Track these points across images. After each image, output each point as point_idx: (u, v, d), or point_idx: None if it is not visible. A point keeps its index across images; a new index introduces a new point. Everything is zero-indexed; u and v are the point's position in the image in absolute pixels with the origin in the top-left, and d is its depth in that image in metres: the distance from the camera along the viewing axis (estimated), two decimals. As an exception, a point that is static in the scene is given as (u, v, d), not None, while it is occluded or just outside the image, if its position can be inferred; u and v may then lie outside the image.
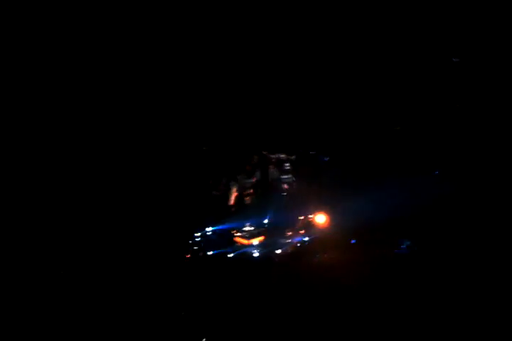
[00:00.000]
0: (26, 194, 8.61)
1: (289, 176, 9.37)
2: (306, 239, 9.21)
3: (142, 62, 9.25)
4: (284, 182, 9.39)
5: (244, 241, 9.31)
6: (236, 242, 9.32)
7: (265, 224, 9.36)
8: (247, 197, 9.42)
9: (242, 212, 9.42)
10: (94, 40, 8.85)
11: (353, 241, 8.97)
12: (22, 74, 8.65)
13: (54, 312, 7.93)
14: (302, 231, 9.27)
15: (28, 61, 8.65)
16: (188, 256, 9.12)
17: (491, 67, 8.60)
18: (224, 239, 9.30)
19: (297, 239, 9.24)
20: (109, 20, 8.79)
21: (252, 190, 9.42)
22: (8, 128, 8.63)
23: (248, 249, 9.25)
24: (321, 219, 9.25)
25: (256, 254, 9.20)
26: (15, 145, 8.69)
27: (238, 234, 9.35)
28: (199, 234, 9.26)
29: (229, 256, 9.15)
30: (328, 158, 9.26)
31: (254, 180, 9.42)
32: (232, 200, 9.41)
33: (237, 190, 9.40)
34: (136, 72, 9.18)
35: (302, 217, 9.34)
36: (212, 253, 9.17)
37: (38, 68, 8.72)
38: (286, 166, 9.37)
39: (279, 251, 9.16)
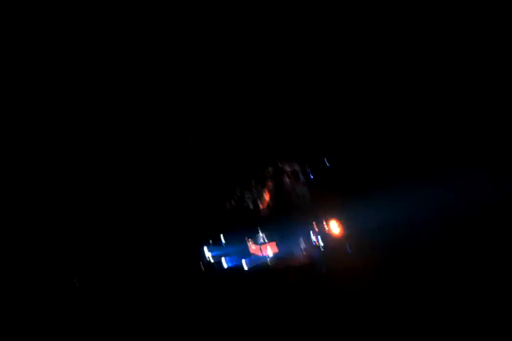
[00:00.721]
0: (26, 194, 8.71)
1: (303, 186, 9.04)
2: (322, 249, 8.99)
3: (147, 66, 8.92)
4: (298, 192, 9.08)
5: (258, 252, 9.23)
6: (250, 251, 9.25)
7: (279, 233, 9.19)
8: (262, 207, 9.21)
9: (256, 221, 9.26)
10: (95, 41, 8.66)
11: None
12: (22, 74, 8.59)
13: (54, 312, 8.22)
14: (315, 240, 9.04)
15: (28, 61, 8.57)
16: (201, 264, 9.18)
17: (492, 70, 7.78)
18: (239, 248, 9.25)
19: (310, 247, 9.05)
20: (110, 21, 8.53)
21: (266, 200, 9.19)
22: (8, 128, 8.64)
23: (260, 259, 9.19)
24: (334, 227, 8.96)
25: (268, 264, 9.13)
26: (15, 146, 8.72)
27: (252, 243, 9.25)
28: (214, 243, 9.23)
29: (243, 264, 9.14)
30: (340, 168, 8.81)
31: (268, 190, 9.17)
32: (247, 210, 9.25)
33: (251, 200, 9.19)
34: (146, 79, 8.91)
35: (315, 227, 9.07)
36: (227, 262, 9.18)
37: (38, 68, 8.64)
38: (300, 176, 9.02)
39: (293, 260, 9.05)
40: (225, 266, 9.12)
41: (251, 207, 9.25)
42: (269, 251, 9.21)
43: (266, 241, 9.25)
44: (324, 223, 8.99)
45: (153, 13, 8.60)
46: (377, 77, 8.42)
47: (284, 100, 8.81)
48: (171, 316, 8.60)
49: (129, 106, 9.01)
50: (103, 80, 8.85)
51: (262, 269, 9.10)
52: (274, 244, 9.23)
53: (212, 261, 9.16)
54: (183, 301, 8.71)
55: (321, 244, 8.96)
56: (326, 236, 8.98)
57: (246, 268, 9.06)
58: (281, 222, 9.15)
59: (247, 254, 9.22)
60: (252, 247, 9.25)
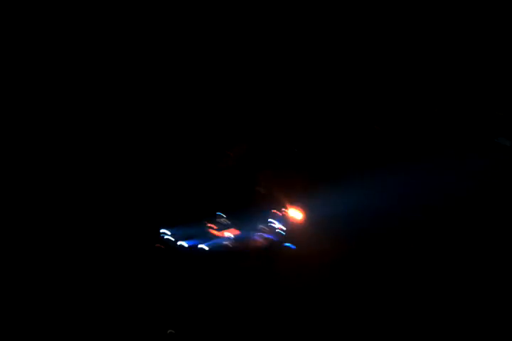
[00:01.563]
0: (26, 194, 8.58)
1: (265, 170, 9.26)
2: (282, 234, 9.19)
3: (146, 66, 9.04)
4: (260, 175, 9.29)
5: (218, 233, 9.28)
6: (209, 234, 9.29)
7: (239, 216, 9.31)
8: (222, 189, 9.31)
9: (216, 203, 9.34)
10: (95, 41, 8.70)
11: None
12: (22, 75, 8.57)
13: (54, 312, 8.01)
14: (276, 225, 9.23)
15: (28, 62, 8.56)
16: (162, 246, 9.08)
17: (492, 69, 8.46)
18: (197, 231, 9.25)
19: (270, 234, 9.23)
20: (110, 21, 8.60)
21: (227, 182, 9.31)
22: (8, 128, 8.56)
23: (221, 241, 9.24)
24: (295, 213, 9.20)
25: (229, 246, 9.20)
26: (15, 146, 8.63)
27: (212, 225, 9.30)
28: (172, 225, 9.19)
29: (202, 247, 9.15)
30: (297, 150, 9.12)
31: (229, 171, 9.30)
32: (206, 191, 9.31)
33: (212, 181, 9.28)
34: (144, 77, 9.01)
35: (276, 211, 9.28)
36: (186, 245, 9.15)
37: (37, 69, 8.63)
38: (265, 159, 9.24)
39: (251, 244, 9.17)
40: (185, 245, 9.10)
41: (211, 187, 9.33)
42: (229, 234, 9.28)
43: (227, 224, 9.32)
44: (287, 209, 9.22)
45: (153, 13, 8.76)
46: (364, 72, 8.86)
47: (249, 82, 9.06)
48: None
49: (128, 106, 9.09)
50: (104, 80, 8.90)
51: (221, 250, 9.14)
52: (235, 229, 9.32)
53: (172, 240, 9.11)
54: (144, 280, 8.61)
55: (282, 228, 9.16)
56: (287, 221, 9.20)
57: (206, 248, 9.07)
58: (243, 206, 9.28)
59: (207, 236, 9.25)
60: (213, 230, 9.29)
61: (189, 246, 9.15)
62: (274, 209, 9.25)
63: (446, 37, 8.28)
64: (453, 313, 7.82)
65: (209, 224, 9.31)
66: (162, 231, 9.12)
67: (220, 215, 9.33)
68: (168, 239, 9.13)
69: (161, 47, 8.81)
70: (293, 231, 9.12)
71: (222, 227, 9.30)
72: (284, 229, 9.14)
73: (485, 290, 7.83)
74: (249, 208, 9.24)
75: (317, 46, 8.73)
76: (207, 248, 9.09)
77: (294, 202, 9.16)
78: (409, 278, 8.35)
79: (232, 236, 9.26)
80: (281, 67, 8.91)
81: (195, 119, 9.24)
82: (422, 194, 8.48)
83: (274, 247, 9.16)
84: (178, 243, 9.14)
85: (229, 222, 9.30)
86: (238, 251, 9.16)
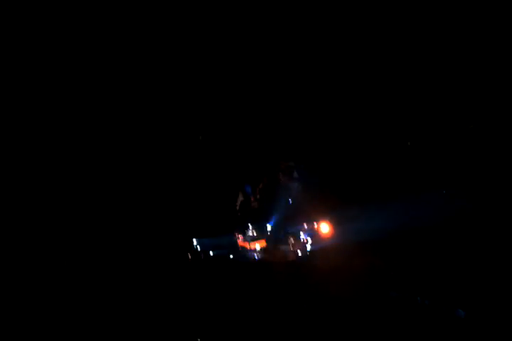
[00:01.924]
0: (26, 194, 8.84)
1: (297, 184, 9.25)
2: (309, 248, 9.11)
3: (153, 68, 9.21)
4: (291, 190, 9.27)
5: (246, 245, 9.33)
6: (238, 245, 9.34)
7: (269, 230, 9.31)
8: (254, 203, 9.37)
9: (247, 216, 9.39)
10: (95, 41, 8.91)
11: None
12: (22, 75, 8.79)
13: (54, 312, 8.14)
14: (305, 241, 9.16)
15: (28, 62, 8.79)
16: (190, 257, 9.23)
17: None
18: (227, 242, 9.34)
19: (299, 248, 9.16)
20: (110, 21, 8.79)
21: (258, 196, 9.36)
22: (8, 128, 8.83)
23: (249, 253, 9.27)
24: (324, 228, 9.11)
25: (256, 257, 9.22)
26: (15, 146, 8.90)
27: (241, 237, 9.36)
28: (203, 235, 9.32)
29: (230, 258, 9.22)
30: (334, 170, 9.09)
31: (261, 186, 9.35)
32: (238, 205, 9.39)
33: (243, 195, 9.36)
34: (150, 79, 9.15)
35: (306, 226, 9.22)
36: (215, 255, 9.25)
37: (37, 69, 8.85)
38: (295, 175, 9.24)
39: (280, 254, 9.16)
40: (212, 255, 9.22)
41: (242, 201, 9.40)
42: (258, 246, 9.30)
43: (255, 236, 9.35)
44: (315, 223, 9.15)
45: (153, 12, 8.93)
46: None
47: (282, 101, 9.10)
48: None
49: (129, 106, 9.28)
50: (105, 80, 9.10)
51: (247, 260, 9.18)
52: (263, 240, 9.33)
53: (199, 250, 9.24)
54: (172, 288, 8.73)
55: (310, 241, 9.08)
56: (315, 235, 9.12)
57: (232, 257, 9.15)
58: (273, 219, 9.30)
59: (235, 247, 9.31)
60: (241, 241, 9.35)
61: (217, 256, 9.24)
62: (304, 222, 9.20)
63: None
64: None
65: (238, 235, 9.37)
66: (193, 241, 9.27)
67: (249, 226, 9.37)
68: (197, 248, 9.27)
69: (161, 47, 8.96)
70: (319, 243, 9.03)
71: (251, 238, 9.34)
72: (311, 242, 9.05)
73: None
74: (280, 222, 9.25)
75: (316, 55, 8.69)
76: (233, 257, 9.15)
77: (324, 217, 9.08)
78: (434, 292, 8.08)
79: (260, 247, 9.27)
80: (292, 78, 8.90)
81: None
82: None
83: (300, 260, 9.10)
84: (210, 252, 9.27)
85: (258, 234, 9.32)
86: (265, 262, 9.14)
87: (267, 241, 9.32)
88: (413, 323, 7.82)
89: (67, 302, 8.23)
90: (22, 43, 8.56)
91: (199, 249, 9.25)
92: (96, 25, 8.67)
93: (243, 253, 9.27)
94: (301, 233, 9.20)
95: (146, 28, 8.80)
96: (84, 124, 9.09)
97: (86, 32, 8.69)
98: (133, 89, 9.11)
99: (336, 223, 9.07)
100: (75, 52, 8.81)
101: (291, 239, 9.23)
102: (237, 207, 9.45)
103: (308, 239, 9.13)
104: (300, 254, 9.15)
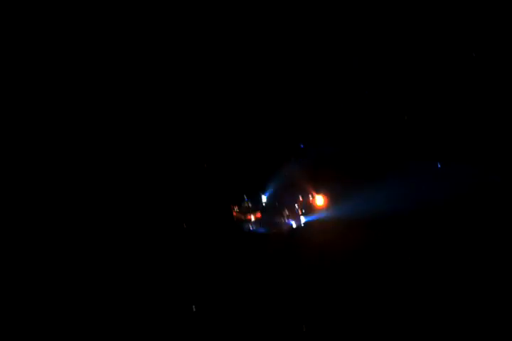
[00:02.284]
0: (26, 194, 8.63)
1: (293, 159, 9.30)
2: (304, 220, 9.31)
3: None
4: (287, 164, 9.34)
5: (242, 217, 9.42)
6: (234, 216, 9.42)
7: (264, 201, 9.42)
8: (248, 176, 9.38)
9: (241, 189, 9.42)
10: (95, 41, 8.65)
11: None
12: (22, 75, 8.55)
13: (54, 312, 8.14)
14: (300, 212, 9.34)
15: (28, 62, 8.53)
16: (185, 226, 9.23)
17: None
18: (222, 213, 9.39)
19: (294, 220, 9.35)
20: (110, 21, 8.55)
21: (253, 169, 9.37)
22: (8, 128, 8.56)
23: (245, 224, 9.39)
24: (320, 201, 9.30)
25: (252, 229, 9.36)
26: (15, 146, 8.65)
27: (237, 209, 9.43)
28: (199, 206, 9.31)
29: (226, 229, 9.31)
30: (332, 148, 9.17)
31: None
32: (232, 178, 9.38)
33: (238, 169, 9.33)
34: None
35: (301, 198, 9.37)
36: (210, 226, 9.29)
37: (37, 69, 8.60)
38: (291, 150, 9.28)
39: (274, 225, 9.34)
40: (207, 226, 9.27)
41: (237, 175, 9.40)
42: (252, 217, 9.42)
43: (250, 207, 9.45)
44: (310, 196, 9.32)
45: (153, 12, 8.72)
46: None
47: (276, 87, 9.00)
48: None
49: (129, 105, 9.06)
50: (105, 81, 8.86)
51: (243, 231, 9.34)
52: (258, 211, 9.44)
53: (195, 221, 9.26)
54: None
55: (304, 213, 9.29)
56: (310, 207, 9.32)
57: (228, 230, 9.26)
58: (268, 191, 9.39)
59: (230, 218, 9.40)
60: (237, 213, 9.44)
61: (211, 227, 9.30)
62: (299, 194, 9.34)
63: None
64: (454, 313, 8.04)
65: (234, 207, 9.43)
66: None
67: (245, 198, 9.44)
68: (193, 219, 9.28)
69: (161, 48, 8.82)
70: (314, 216, 9.25)
71: (246, 210, 9.43)
72: (306, 214, 9.25)
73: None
74: (275, 194, 9.35)
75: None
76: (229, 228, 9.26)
77: (320, 189, 9.25)
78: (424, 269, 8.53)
79: (255, 219, 9.40)
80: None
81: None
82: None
83: (294, 231, 9.32)
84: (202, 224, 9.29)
85: (253, 205, 9.41)
86: (260, 234, 9.31)
87: (261, 213, 9.43)
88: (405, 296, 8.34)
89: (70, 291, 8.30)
90: (22, 43, 8.39)
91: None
92: (96, 25, 8.49)
93: (239, 225, 9.37)
94: (296, 205, 9.37)
95: (146, 32, 8.68)
96: (84, 125, 8.92)
97: (86, 32, 8.53)
98: (133, 89, 8.97)
99: (331, 196, 9.27)
100: (75, 52, 8.63)
101: (286, 211, 9.40)
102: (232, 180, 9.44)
103: (303, 211, 9.32)
104: (294, 226, 9.36)
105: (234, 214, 9.41)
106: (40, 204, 8.60)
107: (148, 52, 8.82)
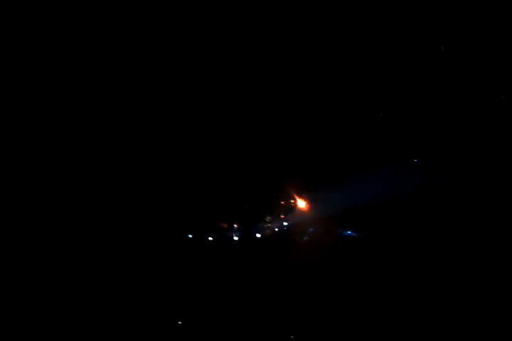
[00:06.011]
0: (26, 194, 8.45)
1: (271, 161, 9.10)
2: (286, 223, 9.22)
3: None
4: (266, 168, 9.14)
5: (223, 224, 9.26)
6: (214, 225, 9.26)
7: (245, 207, 9.26)
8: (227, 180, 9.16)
9: (221, 195, 9.21)
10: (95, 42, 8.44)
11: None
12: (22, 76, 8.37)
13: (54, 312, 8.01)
14: (282, 216, 9.24)
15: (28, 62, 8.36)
16: (166, 239, 9.05)
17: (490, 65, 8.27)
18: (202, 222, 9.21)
19: (277, 223, 9.25)
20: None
21: (232, 174, 9.14)
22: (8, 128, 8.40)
23: (226, 232, 9.24)
24: (301, 204, 9.20)
25: (235, 238, 9.21)
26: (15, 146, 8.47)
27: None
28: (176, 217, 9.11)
29: (208, 239, 9.16)
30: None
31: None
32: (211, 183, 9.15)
33: (217, 174, 9.09)
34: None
35: (283, 202, 9.25)
36: (190, 236, 9.13)
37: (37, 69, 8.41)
38: (270, 152, 9.05)
39: (258, 235, 9.20)
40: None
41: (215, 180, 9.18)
42: (234, 224, 9.29)
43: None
44: (291, 200, 9.21)
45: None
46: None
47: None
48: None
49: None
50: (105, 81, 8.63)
51: (225, 242, 9.21)
52: (239, 217, 9.30)
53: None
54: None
55: (286, 217, 9.21)
56: (291, 210, 9.23)
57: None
58: (248, 195, 9.24)
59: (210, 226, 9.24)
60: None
61: (193, 237, 9.15)
62: (280, 200, 9.22)
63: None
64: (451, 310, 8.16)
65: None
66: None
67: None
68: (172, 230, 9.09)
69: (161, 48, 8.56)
70: (299, 222, 9.17)
71: (227, 218, 9.26)
72: (290, 221, 9.16)
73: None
74: (255, 199, 9.20)
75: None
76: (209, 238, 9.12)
77: (301, 194, 9.14)
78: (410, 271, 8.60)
79: (237, 227, 9.26)
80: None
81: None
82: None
83: (276, 234, 9.24)
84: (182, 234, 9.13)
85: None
86: (243, 242, 9.19)
87: (244, 218, 9.29)
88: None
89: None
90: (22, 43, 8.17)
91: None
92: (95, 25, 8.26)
93: (220, 233, 9.22)
94: (277, 210, 9.26)
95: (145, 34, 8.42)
96: (85, 125, 8.68)
97: (86, 32, 8.30)
98: (133, 90, 8.72)
99: (312, 198, 9.18)
100: (75, 52, 8.39)
101: (268, 216, 9.30)
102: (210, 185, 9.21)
103: (285, 215, 9.23)
104: (276, 229, 9.27)
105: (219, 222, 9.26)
106: (40, 204, 8.47)
107: (148, 52, 8.58)
